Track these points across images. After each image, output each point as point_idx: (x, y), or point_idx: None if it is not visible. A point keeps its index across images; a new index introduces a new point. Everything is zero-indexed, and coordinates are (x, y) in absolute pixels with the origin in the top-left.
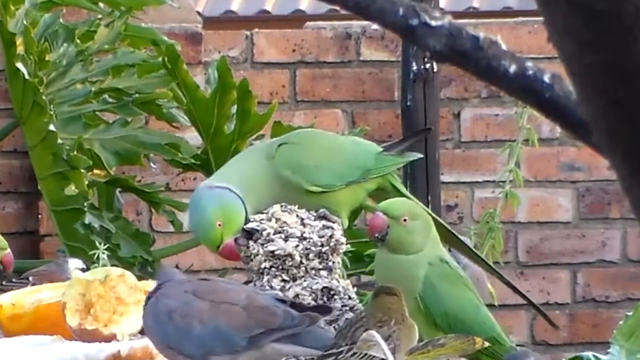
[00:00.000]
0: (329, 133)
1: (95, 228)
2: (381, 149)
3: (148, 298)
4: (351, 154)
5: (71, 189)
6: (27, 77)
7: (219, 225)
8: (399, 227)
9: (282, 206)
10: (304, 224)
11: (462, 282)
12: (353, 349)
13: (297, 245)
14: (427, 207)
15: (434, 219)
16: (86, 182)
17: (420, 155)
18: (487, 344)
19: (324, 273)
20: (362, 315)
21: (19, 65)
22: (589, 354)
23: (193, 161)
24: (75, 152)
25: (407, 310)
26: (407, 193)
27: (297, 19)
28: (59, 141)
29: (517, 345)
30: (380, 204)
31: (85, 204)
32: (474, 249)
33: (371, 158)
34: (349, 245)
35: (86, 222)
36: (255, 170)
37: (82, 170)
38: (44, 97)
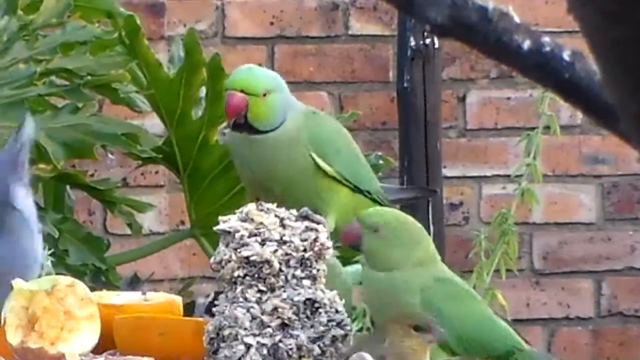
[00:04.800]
0: None
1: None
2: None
3: None
4: (365, 162)
5: None
6: None
7: (264, 95)
8: (371, 237)
9: (258, 205)
10: (283, 226)
11: (471, 297)
12: None
13: (276, 250)
14: (427, 205)
15: None
16: (30, 177)
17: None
18: None
19: (307, 282)
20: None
21: None
22: None
23: (154, 154)
24: None
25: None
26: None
27: None
28: None
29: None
30: (360, 215)
31: None
32: None
33: (376, 183)
34: (336, 250)
35: None
36: (296, 113)
37: None
38: None
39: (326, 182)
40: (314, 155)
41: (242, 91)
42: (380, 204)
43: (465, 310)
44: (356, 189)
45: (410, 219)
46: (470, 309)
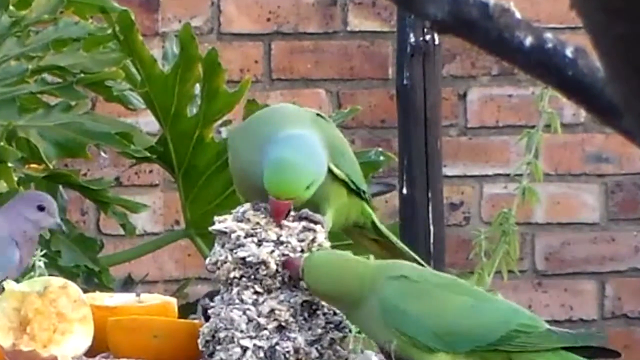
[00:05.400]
0: None
1: None
2: None
3: None
4: (358, 165)
5: (3, 185)
6: None
7: (307, 188)
8: (315, 291)
9: (254, 205)
10: (280, 226)
11: (442, 290)
12: None
13: (273, 251)
14: (427, 205)
15: (380, 235)
16: (21, 177)
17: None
18: None
19: (304, 284)
20: None
21: None
22: None
23: (148, 154)
24: (3, 143)
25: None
26: (388, 233)
27: None
28: None
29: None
30: (305, 263)
31: None
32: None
33: (363, 179)
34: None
35: None
36: (315, 139)
37: (11, 165)
38: None
39: (335, 185)
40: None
41: (286, 198)
42: (367, 202)
43: (433, 304)
44: (353, 190)
45: (348, 266)
46: (439, 300)
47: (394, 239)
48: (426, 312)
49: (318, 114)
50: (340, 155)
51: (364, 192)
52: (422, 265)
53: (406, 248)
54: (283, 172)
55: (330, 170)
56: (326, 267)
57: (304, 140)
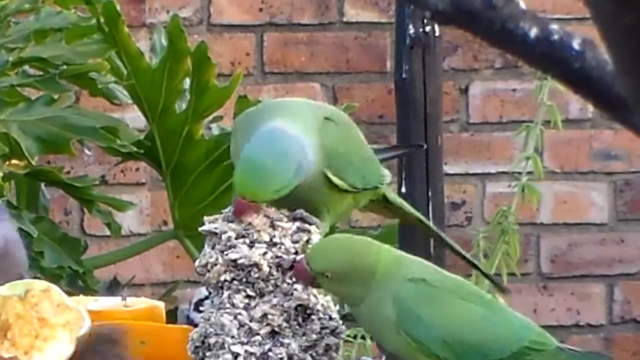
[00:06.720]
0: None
1: None
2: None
3: None
4: (370, 155)
5: None
6: None
7: (277, 191)
8: (325, 282)
9: None
10: (273, 226)
11: (455, 297)
12: None
13: (265, 253)
14: (427, 205)
15: (408, 217)
16: (1, 174)
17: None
18: None
19: (298, 287)
20: None
21: None
22: None
23: (135, 149)
24: None
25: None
26: (403, 204)
27: None
28: None
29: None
30: (308, 252)
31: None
32: (462, 252)
33: (379, 170)
34: None
35: None
36: (315, 136)
37: None
38: None
39: (336, 194)
40: (328, 173)
41: (251, 200)
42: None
43: (448, 312)
44: (363, 190)
45: (357, 242)
46: (455, 309)
47: (404, 204)
48: (440, 320)
49: (328, 117)
50: (347, 164)
51: (374, 187)
52: (427, 224)
53: (416, 212)
54: (250, 173)
55: (329, 179)
56: (335, 246)
57: (282, 136)
